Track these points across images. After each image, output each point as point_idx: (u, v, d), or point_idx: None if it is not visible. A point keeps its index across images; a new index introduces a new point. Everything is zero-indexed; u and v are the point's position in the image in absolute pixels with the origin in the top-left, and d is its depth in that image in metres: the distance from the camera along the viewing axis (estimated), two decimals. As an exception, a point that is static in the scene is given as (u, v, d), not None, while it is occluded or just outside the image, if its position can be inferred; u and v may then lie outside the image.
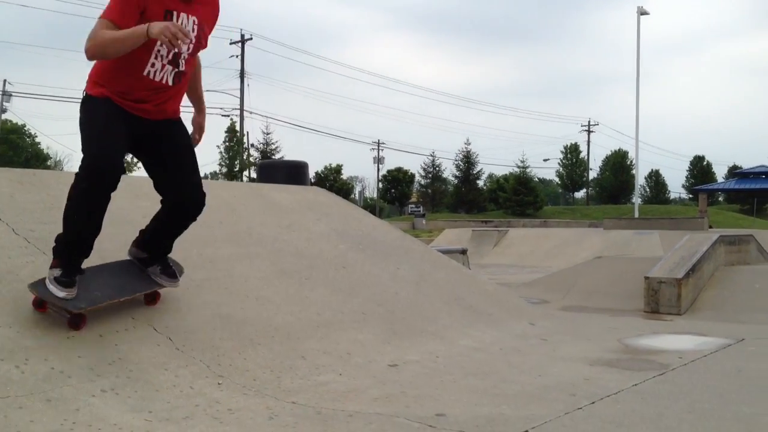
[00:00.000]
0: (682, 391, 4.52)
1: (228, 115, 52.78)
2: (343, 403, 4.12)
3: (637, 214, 43.36)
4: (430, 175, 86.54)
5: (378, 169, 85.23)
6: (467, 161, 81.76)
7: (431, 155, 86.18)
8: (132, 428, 3.43)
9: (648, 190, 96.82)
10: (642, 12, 41.23)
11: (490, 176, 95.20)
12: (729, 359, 5.65)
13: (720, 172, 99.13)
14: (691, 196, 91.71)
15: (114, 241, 5.39)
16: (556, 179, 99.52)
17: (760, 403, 4.18)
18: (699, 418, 3.86)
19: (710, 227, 31.56)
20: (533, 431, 3.62)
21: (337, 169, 78.97)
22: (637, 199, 50.01)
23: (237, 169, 50.00)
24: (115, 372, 3.92)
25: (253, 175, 46.07)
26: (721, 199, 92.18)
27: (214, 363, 4.38)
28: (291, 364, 4.67)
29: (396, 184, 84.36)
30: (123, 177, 4.44)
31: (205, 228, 6.27)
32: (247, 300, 5.29)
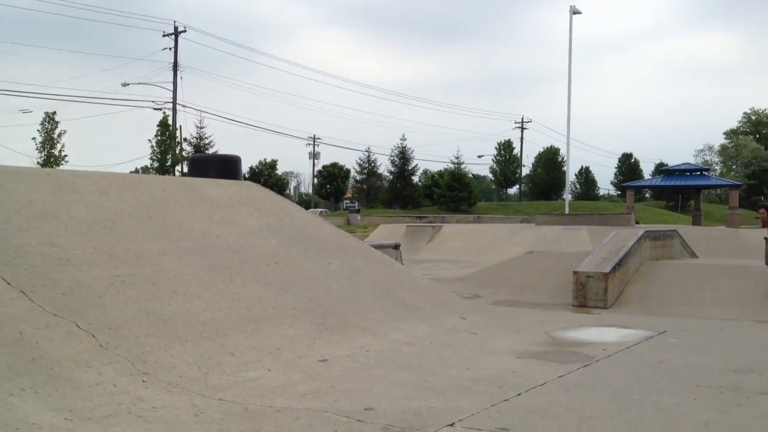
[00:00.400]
0: (606, 382, 4.63)
1: (160, 109, 51.74)
2: (272, 399, 4.09)
3: (567, 210, 44.21)
4: (365, 171, 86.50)
5: (313, 165, 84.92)
6: (403, 157, 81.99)
7: (367, 151, 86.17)
8: (52, 427, 3.34)
9: (578, 186, 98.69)
10: (574, 11, 41.98)
11: (425, 172, 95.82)
12: (651, 351, 5.81)
13: (647, 169, 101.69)
14: (619, 192, 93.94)
15: (38, 236, 5.27)
16: (490, 175, 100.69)
17: (680, 393, 4.30)
18: (621, 408, 3.96)
19: (637, 223, 32.40)
20: (460, 423, 3.66)
21: (272, 165, 78.30)
22: (567, 196, 50.99)
23: (169, 163, 49.11)
24: (36, 370, 3.81)
25: (186, 169, 45.40)
26: (647, 195, 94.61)
27: (139, 360, 4.30)
28: (219, 361, 4.62)
29: (331, 179, 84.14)
30: (47, 170, 4.33)
31: (134, 222, 6.16)
32: (174, 296, 5.21)
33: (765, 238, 14.54)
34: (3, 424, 3.29)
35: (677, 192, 70.23)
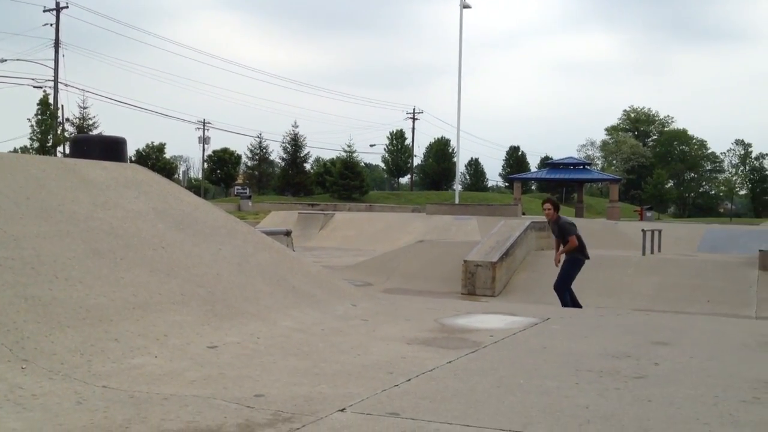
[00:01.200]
0: (492, 367, 4.75)
1: (41, 87, 49.53)
2: (159, 386, 3.99)
3: (457, 200, 45.07)
4: (257, 157, 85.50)
5: (203, 149, 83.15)
6: (295, 144, 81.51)
7: (258, 137, 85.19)
8: None
9: (468, 177, 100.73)
10: (464, 5, 42.75)
11: (318, 160, 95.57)
12: (535, 337, 5.99)
13: (533, 162, 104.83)
14: (507, 184, 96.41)
15: None
16: (382, 165, 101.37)
17: (562, 377, 4.45)
18: (506, 392, 4.06)
19: (524, 214, 33.34)
20: (351, 409, 3.67)
21: (160, 148, 76.24)
22: (457, 186, 52.00)
23: (50, 144, 47.11)
24: None
25: (68, 151, 43.69)
26: (533, 187, 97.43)
27: (18, 346, 4.11)
28: (103, 347, 4.47)
29: (222, 164, 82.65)
30: None
31: (11, 204, 5.87)
32: (55, 281, 5.00)
33: (642, 230, 15.22)
34: None
35: (562, 185, 72.76)
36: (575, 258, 9.84)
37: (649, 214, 44.69)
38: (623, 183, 78.48)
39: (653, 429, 3.43)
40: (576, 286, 12.12)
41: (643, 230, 15.20)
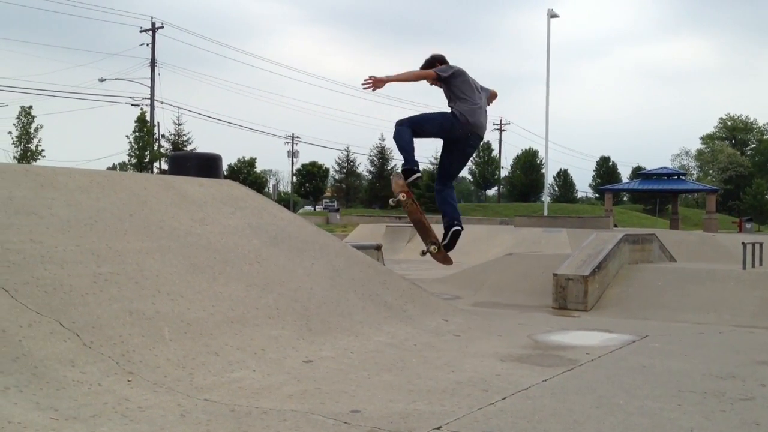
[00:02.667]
0: (590, 386, 4.65)
1: (138, 105, 51.37)
2: (258, 400, 4.07)
3: (546, 212, 44.44)
4: (344, 170, 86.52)
5: (292, 163, 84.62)
6: (382, 157, 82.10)
7: (346, 150, 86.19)
8: (37, 427, 3.30)
9: (557, 188, 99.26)
10: (552, 15, 42.18)
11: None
12: (633, 355, 5.84)
13: (625, 172, 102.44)
14: (597, 195, 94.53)
15: (19, 233, 5.20)
16: (469, 177, 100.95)
17: (664, 398, 4.33)
18: (606, 413, 3.97)
19: (615, 226, 32.62)
20: (446, 427, 3.65)
21: (251, 163, 77.99)
22: (546, 198, 51.23)
23: (147, 160, 48.80)
24: (20, 369, 3.76)
25: (164, 166, 45.11)
26: (625, 198, 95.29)
27: (124, 359, 4.26)
28: (204, 361, 4.59)
29: (310, 178, 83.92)
30: (26, 166, 4.29)
31: (115, 220, 6.11)
32: (158, 295, 5.17)
33: (743, 243, 14.68)
34: (-14, 424, 3.24)
35: (655, 196, 70.81)
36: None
37: (748, 225, 43.08)
38: (720, 194, 75.80)
39: (764, 455, 3.29)
40: (674, 301, 11.75)
41: (743, 243, 14.64)
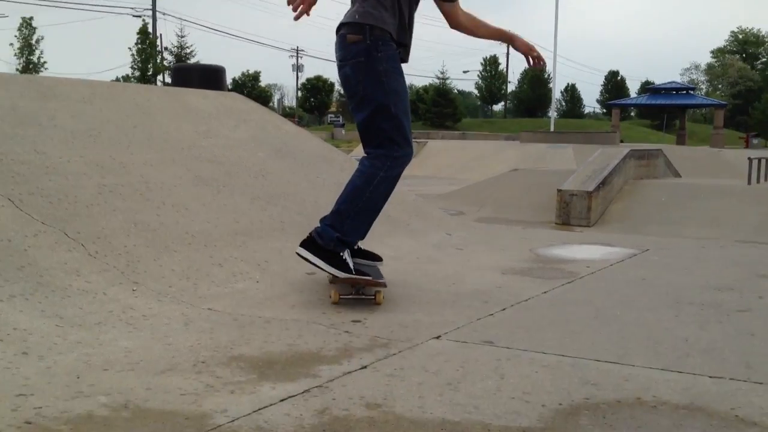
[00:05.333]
0: (589, 298, 4.71)
1: (140, 16, 50.67)
2: (260, 309, 4.14)
3: (552, 128, 44.15)
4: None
5: (297, 77, 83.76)
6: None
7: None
8: (42, 333, 3.38)
9: (564, 104, 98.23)
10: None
11: (410, 87, 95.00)
12: (633, 268, 5.90)
13: (633, 87, 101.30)
14: (605, 110, 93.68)
15: (23, 143, 5.20)
16: (475, 92, 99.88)
17: (661, 309, 4.39)
18: (603, 324, 4.04)
19: (622, 141, 32.44)
20: (445, 336, 3.73)
21: (255, 76, 77.24)
22: (553, 113, 50.84)
23: (150, 72, 48.35)
24: (25, 277, 3.82)
25: (168, 80, 44.70)
26: (633, 114, 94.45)
27: (129, 269, 4.32)
28: (208, 272, 4.65)
29: (315, 93, 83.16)
30: (29, 77, 4.27)
31: (119, 132, 6.10)
32: (162, 207, 5.20)
33: (749, 158, 14.62)
34: (-5, 330, 3.32)
35: (663, 111, 70.14)
36: None
37: (755, 141, 42.84)
38: (729, 108, 74.96)
39: (756, 363, 3.36)
40: (678, 217, 11.81)
41: (749, 158, 14.59)
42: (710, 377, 3.16)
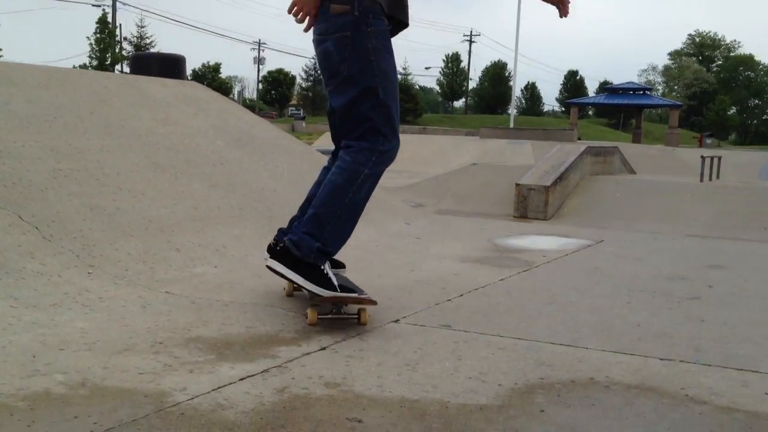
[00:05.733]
0: (544, 285, 4.79)
1: (99, 5, 49.88)
2: (219, 293, 4.13)
3: (512, 125, 44.53)
4: (311, 78, 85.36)
5: (258, 70, 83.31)
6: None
7: (313, 58, 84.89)
8: (-3, 315, 3.33)
9: (524, 101, 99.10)
10: None
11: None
12: (588, 258, 6.00)
13: (592, 87, 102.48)
14: (563, 109, 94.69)
15: (-26, 126, 5.10)
16: (437, 88, 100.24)
17: (614, 297, 4.48)
18: (558, 309, 4.11)
19: (579, 139, 32.86)
20: (404, 320, 3.76)
21: (216, 68, 76.61)
22: (513, 110, 51.27)
23: (108, 62, 47.68)
24: (-22, 260, 3.76)
25: (126, 70, 44.13)
26: (591, 113, 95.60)
27: (84, 253, 4.27)
28: (165, 256, 4.62)
29: (276, 85, 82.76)
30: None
31: (75, 118, 6.02)
32: (119, 192, 5.15)
33: (701, 156, 14.93)
34: (-53, 310, 3.26)
35: (620, 110, 71.17)
36: None
37: (708, 140, 43.68)
38: (684, 109, 76.30)
39: (705, 347, 3.45)
40: (632, 212, 12.03)
41: (702, 156, 14.90)
42: (661, 359, 3.24)
